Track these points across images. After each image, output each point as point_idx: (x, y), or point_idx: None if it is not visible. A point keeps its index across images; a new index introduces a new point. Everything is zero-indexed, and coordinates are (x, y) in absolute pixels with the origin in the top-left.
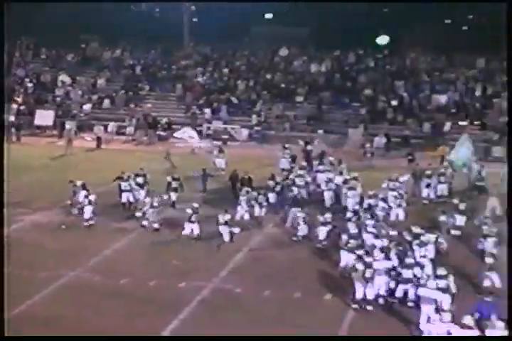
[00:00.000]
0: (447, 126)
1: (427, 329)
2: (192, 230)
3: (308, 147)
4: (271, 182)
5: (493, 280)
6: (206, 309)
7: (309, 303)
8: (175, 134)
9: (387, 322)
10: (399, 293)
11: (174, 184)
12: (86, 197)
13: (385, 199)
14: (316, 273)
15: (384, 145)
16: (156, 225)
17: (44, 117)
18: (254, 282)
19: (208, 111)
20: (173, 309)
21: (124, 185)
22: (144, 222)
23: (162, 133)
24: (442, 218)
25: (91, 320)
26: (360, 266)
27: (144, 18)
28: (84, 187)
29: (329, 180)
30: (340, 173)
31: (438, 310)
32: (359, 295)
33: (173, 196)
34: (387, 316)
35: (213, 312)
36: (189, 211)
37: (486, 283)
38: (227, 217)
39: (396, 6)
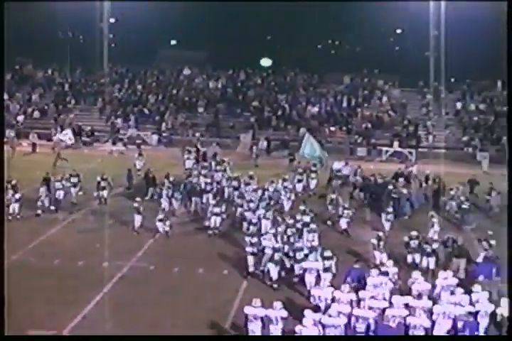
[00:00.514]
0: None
1: (316, 293)
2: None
3: (204, 149)
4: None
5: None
6: (126, 283)
7: (210, 277)
8: (58, 135)
9: (280, 291)
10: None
11: (103, 183)
12: (13, 195)
13: (278, 192)
14: (216, 253)
15: (266, 147)
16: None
17: None
18: (165, 261)
19: (119, 120)
20: (98, 284)
21: (57, 184)
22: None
23: (86, 139)
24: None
25: (30, 296)
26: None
27: (70, 43)
28: (13, 186)
29: (223, 178)
30: (224, 170)
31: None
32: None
33: (104, 193)
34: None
35: (131, 286)
36: None
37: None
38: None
39: (278, 35)
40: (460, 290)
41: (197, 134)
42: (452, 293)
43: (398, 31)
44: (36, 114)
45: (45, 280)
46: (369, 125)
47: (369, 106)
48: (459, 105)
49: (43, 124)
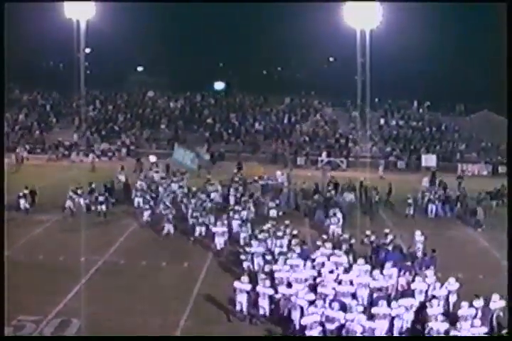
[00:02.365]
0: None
1: None
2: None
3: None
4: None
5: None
6: (100, 275)
7: (172, 269)
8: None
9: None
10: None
11: (101, 198)
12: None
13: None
14: (178, 248)
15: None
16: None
17: None
18: (133, 256)
19: (93, 136)
20: (76, 276)
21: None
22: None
23: (65, 152)
24: None
25: (16, 285)
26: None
27: (51, 70)
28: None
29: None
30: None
31: None
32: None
33: (103, 207)
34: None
35: (105, 277)
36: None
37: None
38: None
39: (229, 62)
40: None
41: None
42: None
43: (331, 59)
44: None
45: (31, 272)
46: (306, 138)
47: (306, 123)
48: (382, 121)
49: (26, 140)
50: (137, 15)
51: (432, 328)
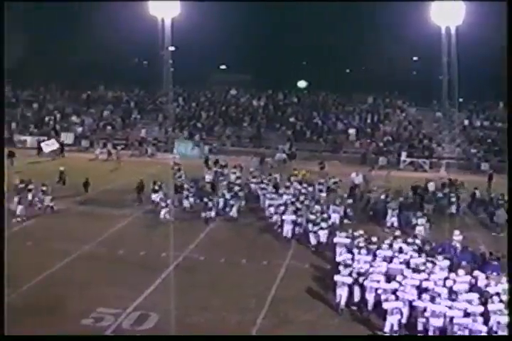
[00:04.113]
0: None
1: None
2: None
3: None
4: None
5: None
6: (179, 271)
7: (252, 267)
8: (42, 144)
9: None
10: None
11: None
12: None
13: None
14: (257, 246)
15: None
16: None
17: (67, 138)
18: (213, 252)
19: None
20: (156, 271)
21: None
22: None
23: (149, 149)
24: None
25: (97, 278)
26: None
27: (136, 68)
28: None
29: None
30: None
31: None
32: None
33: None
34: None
35: (184, 273)
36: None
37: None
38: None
39: (312, 60)
40: None
41: None
42: None
43: (415, 58)
44: (108, 128)
45: (112, 266)
46: (389, 138)
47: (389, 123)
48: (466, 122)
49: (111, 136)
50: (222, 14)
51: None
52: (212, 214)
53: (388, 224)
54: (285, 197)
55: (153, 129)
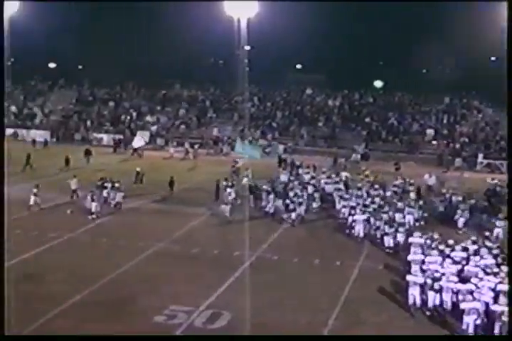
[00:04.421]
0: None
1: None
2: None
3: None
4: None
5: None
6: (252, 270)
7: (324, 267)
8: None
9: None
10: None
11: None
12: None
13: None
14: (331, 246)
15: (359, 159)
16: None
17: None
18: (286, 252)
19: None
20: (230, 270)
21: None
22: None
23: (224, 147)
24: None
25: (170, 275)
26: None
27: (212, 67)
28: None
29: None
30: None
31: None
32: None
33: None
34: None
35: (257, 272)
36: None
37: None
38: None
39: (389, 60)
40: None
41: None
42: None
43: (493, 58)
44: (182, 127)
45: (186, 264)
46: (466, 139)
47: (466, 123)
48: None
49: (185, 135)
50: (298, 14)
51: None
52: (293, 215)
53: (459, 226)
54: (356, 198)
55: (227, 128)
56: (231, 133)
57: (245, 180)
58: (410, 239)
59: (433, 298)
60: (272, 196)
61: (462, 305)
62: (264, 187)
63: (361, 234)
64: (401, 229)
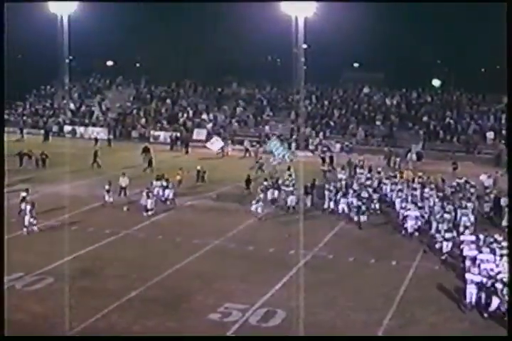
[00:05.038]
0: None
1: None
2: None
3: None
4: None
5: None
6: (308, 269)
7: (380, 267)
8: (208, 144)
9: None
10: None
11: None
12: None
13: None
14: (387, 246)
15: (415, 159)
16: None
17: (199, 134)
18: (342, 251)
19: (308, 130)
20: (284, 268)
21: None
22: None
23: None
24: None
25: (225, 273)
26: None
27: (269, 65)
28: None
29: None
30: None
31: None
32: None
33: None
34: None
35: (313, 271)
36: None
37: None
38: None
39: (446, 59)
40: None
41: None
42: None
43: None
44: (237, 125)
45: (241, 262)
46: None
47: None
48: None
49: (244, 133)
50: (354, 12)
51: None
52: (362, 218)
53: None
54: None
55: (285, 126)
56: (283, 130)
57: (290, 179)
58: (462, 237)
59: (491, 299)
60: (335, 196)
61: None
62: (326, 186)
63: (411, 230)
64: (449, 236)
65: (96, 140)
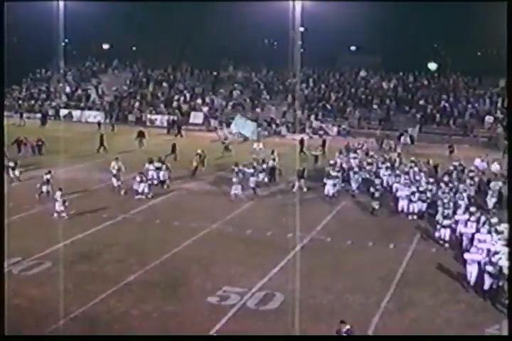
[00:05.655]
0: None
1: None
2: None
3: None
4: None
5: None
6: (306, 252)
7: (378, 250)
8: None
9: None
10: None
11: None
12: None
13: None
14: (385, 229)
15: (409, 142)
16: None
17: (196, 117)
18: (340, 235)
19: (305, 114)
20: (282, 252)
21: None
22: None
23: (277, 129)
24: None
25: (223, 257)
26: None
27: (266, 49)
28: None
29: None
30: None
31: None
32: None
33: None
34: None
35: (310, 254)
36: None
37: None
38: None
39: (443, 43)
40: None
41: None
42: None
43: None
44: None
45: (239, 246)
46: None
47: None
48: None
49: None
50: None
51: None
52: (376, 205)
53: (490, 207)
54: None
55: (282, 110)
56: (281, 114)
57: (272, 162)
58: (457, 217)
59: (487, 280)
60: (333, 181)
61: None
62: (326, 169)
63: (405, 210)
64: (446, 223)
65: (99, 124)
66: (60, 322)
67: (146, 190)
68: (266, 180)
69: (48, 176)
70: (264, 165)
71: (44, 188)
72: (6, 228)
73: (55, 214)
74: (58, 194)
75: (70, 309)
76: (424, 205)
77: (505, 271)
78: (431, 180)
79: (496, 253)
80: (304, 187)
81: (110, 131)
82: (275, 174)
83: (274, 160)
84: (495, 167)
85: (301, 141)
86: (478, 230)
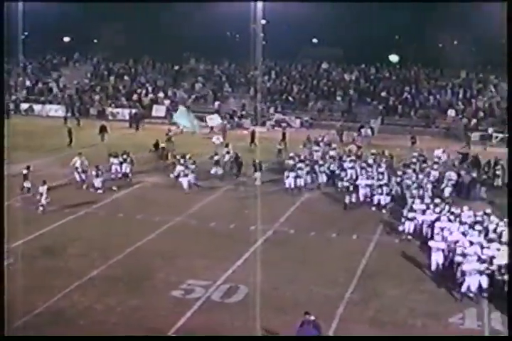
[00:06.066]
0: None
1: None
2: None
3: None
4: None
5: None
6: (269, 244)
7: (341, 241)
8: (207, 118)
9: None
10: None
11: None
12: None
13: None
14: (348, 220)
15: (370, 134)
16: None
17: (159, 110)
18: (303, 226)
19: (267, 106)
20: (246, 244)
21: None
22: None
23: (239, 121)
24: None
25: (187, 250)
26: None
27: (228, 41)
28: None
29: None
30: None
31: None
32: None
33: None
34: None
35: (274, 246)
36: None
37: None
38: None
39: (404, 35)
40: None
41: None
42: None
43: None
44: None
45: (202, 239)
46: (481, 114)
47: (482, 98)
48: None
49: (203, 109)
50: None
51: None
52: (353, 199)
53: (446, 195)
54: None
55: (244, 102)
56: (248, 107)
57: (228, 156)
58: (415, 206)
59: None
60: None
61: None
62: (291, 162)
63: (362, 199)
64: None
65: (65, 118)
66: (24, 319)
67: (100, 185)
68: (219, 172)
69: (25, 171)
70: (216, 157)
71: (26, 184)
72: None
73: (40, 208)
74: (44, 188)
75: (35, 305)
76: (388, 198)
77: (470, 258)
78: (399, 172)
79: (458, 241)
80: (259, 180)
81: (76, 126)
82: (233, 167)
83: (228, 153)
84: (451, 157)
85: (253, 133)
86: (438, 219)
